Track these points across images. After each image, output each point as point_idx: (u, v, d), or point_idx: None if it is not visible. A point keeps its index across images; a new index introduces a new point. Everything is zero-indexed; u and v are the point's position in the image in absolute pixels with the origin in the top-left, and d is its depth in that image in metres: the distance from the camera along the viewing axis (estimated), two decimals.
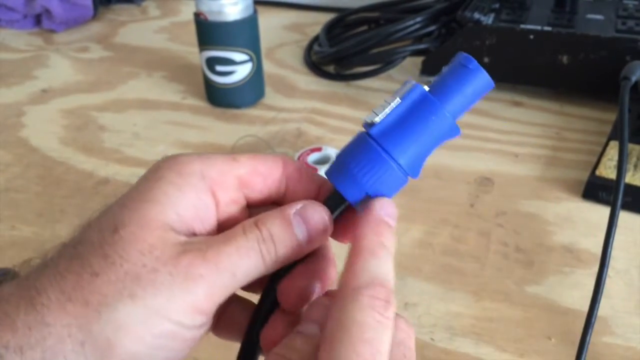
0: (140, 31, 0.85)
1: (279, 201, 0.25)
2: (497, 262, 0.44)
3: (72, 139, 0.60)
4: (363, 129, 0.24)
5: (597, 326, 0.37)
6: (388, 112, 0.23)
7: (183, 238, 0.22)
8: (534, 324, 0.39)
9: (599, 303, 0.38)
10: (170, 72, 0.73)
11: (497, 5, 0.64)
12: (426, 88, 0.23)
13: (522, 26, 0.60)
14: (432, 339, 0.38)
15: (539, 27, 0.59)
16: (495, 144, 0.57)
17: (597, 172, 0.49)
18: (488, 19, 0.61)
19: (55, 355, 0.20)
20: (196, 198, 0.23)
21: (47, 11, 0.83)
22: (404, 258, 0.44)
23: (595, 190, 0.48)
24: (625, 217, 0.45)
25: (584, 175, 0.50)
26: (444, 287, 0.42)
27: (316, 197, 0.24)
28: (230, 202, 0.24)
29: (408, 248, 0.45)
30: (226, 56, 0.61)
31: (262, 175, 0.24)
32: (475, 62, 0.23)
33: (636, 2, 0.63)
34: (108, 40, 0.82)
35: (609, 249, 0.40)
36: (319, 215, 0.23)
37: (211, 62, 0.62)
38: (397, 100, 0.23)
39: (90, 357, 0.20)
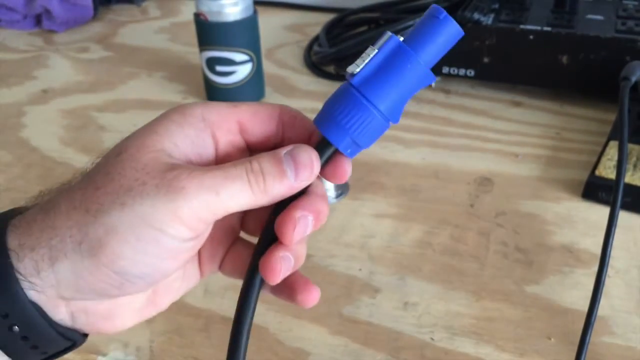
0: (140, 31, 0.85)
1: (277, 146, 0.26)
2: (497, 262, 0.44)
3: (73, 139, 0.61)
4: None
5: (596, 326, 0.37)
6: (367, 62, 0.24)
7: (177, 161, 0.24)
8: (533, 323, 0.39)
9: (599, 303, 0.38)
10: (171, 73, 0.73)
11: (496, 6, 0.64)
12: (401, 39, 0.24)
13: (522, 26, 0.60)
14: (432, 339, 0.38)
15: (538, 28, 0.59)
16: (495, 144, 0.57)
17: (597, 172, 0.49)
18: (488, 19, 0.61)
19: (59, 251, 0.23)
20: (195, 135, 0.25)
21: (47, 11, 0.83)
22: (404, 257, 0.44)
23: (595, 190, 0.48)
24: (624, 217, 0.45)
25: (584, 175, 0.50)
26: (444, 287, 0.42)
27: (308, 142, 0.26)
28: (229, 144, 0.26)
29: (408, 248, 0.45)
30: (226, 56, 0.61)
31: (261, 121, 0.27)
32: (445, 12, 0.24)
33: (636, 3, 0.63)
34: (108, 40, 0.83)
35: (609, 249, 0.40)
36: (307, 155, 0.25)
37: (211, 63, 0.62)
38: (375, 50, 0.24)
39: (85, 254, 0.23)
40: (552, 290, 0.41)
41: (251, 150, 0.27)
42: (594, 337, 0.37)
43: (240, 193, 0.24)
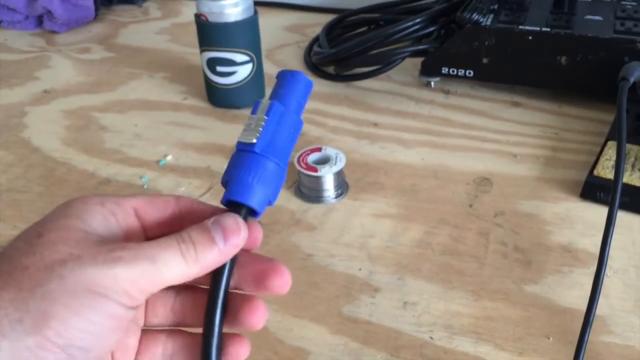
0: (141, 32, 0.85)
1: (176, 231, 0.27)
2: (496, 261, 0.44)
3: (74, 140, 0.61)
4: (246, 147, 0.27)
5: (595, 325, 0.38)
6: (262, 130, 0.27)
7: (102, 240, 0.25)
8: (532, 323, 0.39)
9: (597, 302, 0.38)
10: (171, 73, 0.73)
11: (496, 7, 0.64)
12: (268, 101, 0.28)
13: (521, 27, 0.60)
14: (431, 338, 0.38)
15: (537, 28, 0.60)
16: (494, 144, 0.57)
17: (595, 172, 0.49)
18: (487, 20, 0.62)
19: None
20: (102, 219, 0.26)
21: (49, 12, 0.84)
22: (403, 257, 0.44)
23: (594, 190, 0.49)
24: (623, 217, 0.45)
25: (582, 175, 0.50)
26: (443, 287, 0.42)
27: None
28: (129, 227, 0.27)
29: (407, 248, 0.45)
30: (227, 57, 0.61)
31: (155, 208, 0.28)
32: (297, 72, 0.29)
33: (634, 3, 0.63)
34: (109, 41, 0.83)
35: (607, 249, 0.40)
36: (232, 219, 0.26)
37: (212, 63, 0.62)
38: (265, 117, 0.27)
39: (29, 331, 0.22)
40: (550, 289, 0.41)
41: (147, 234, 0.28)
42: (593, 337, 0.37)
43: (174, 262, 0.25)
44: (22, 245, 0.24)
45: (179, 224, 0.28)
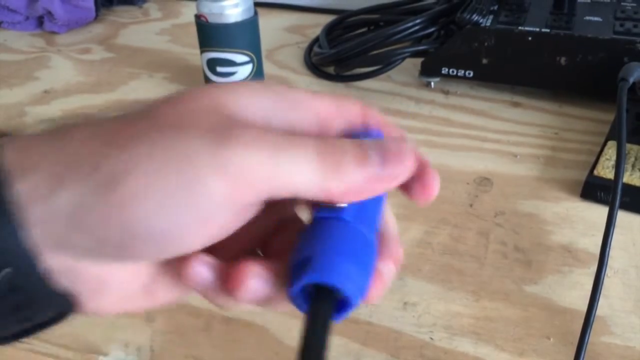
0: (141, 33, 0.85)
1: None
2: (496, 261, 0.44)
3: None
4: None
5: (595, 326, 0.38)
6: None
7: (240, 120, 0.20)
8: (532, 323, 0.39)
9: (598, 302, 0.38)
10: (172, 74, 0.73)
11: (495, 7, 0.64)
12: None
13: (521, 28, 0.60)
14: (431, 339, 0.38)
15: (537, 29, 0.60)
16: (494, 144, 0.57)
17: (596, 172, 0.49)
18: (487, 21, 0.62)
19: (61, 179, 0.18)
20: (272, 107, 0.21)
21: (49, 13, 0.84)
22: (404, 257, 0.44)
23: (594, 190, 0.49)
24: (623, 217, 0.45)
25: (583, 175, 0.50)
26: (443, 287, 0.42)
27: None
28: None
29: (407, 247, 0.45)
30: (227, 57, 0.61)
31: (342, 115, 0.22)
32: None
33: (634, 4, 0.63)
34: (110, 41, 0.83)
35: (608, 249, 0.40)
36: (398, 144, 0.20)
37: (212, 64, 0.62)
38: None
39: (93, 188, 0.18)
40: (551, 290, 0.41)
41: None
42: (593, 337, 0.37)
43: (306, 163, 0.19)
44: (142, 106, 0.20)
45: None
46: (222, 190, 0.18)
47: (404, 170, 0.20)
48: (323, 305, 0.19)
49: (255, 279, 0.20)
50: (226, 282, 0.20)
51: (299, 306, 0.20)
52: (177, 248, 0.19)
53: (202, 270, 0.20)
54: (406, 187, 0.22)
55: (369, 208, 0.21)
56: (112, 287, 0.21)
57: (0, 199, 0.18)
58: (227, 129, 0.19)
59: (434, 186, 0.22)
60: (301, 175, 0.19)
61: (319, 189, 0.19)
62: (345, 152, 0.19)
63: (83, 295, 0.20)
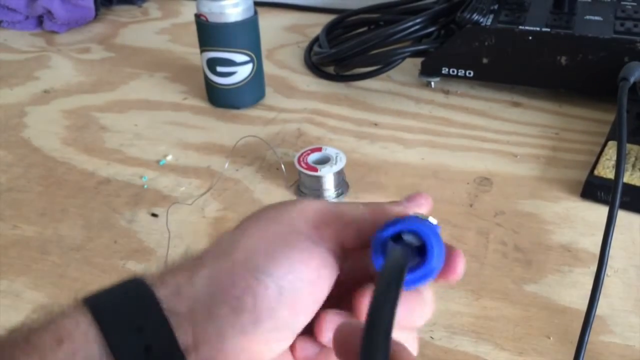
0: (141, 32, 0.85)
1: None
2: (496, 261, 0.44)
3: (74, 140, 0.61)
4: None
5: (595, 325, 0.38)
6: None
7: None
8: (532, 322, 0.39)
9: (598, 302, 0.38)
10: (172, 73, 0.73)
11: (495, 7, 0.64)
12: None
13: (521, 27, 0.60)
14: (431, 338, 0.38)
15: (537, 29, 0.60)
16: (494, 144, 0.57)
17: (596, 172, 0.49)
18: (487, 21, 0.62)
19: (197, 267, 0.24)
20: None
21: (49, 12, 0.84)
22: None
23: (594, 189, 0.49)
24: (623, 217, 0.45)
25: (583, 175, 0.50)
26: (443, 286, 0.42)
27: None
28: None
29: None
30: (227, 57, 0.61)
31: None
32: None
33: (634, 4, 0.63)
34: (109, 41, 0.83)
35: (608, 248, 0.40)
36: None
37: (212, 63, 0.62)
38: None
39: (220, 256, 0.24)
40: (551, 289, 0.41)
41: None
42: (593, 336, 0.37)
43: (358, 206, 0.26)
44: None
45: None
46: (309, 229, 0.25)
47: (423, 202, 0.28)
48: (401, 252, 0.22)
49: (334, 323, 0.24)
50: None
51: (375, 261, 0.23)
52: (293, 295, 0.23)
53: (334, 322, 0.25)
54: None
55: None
56: None
57: (147, 306, 0.22)
58: (298, 200, 0.26)
59: (460, 268, 0.26)
60: (357, 212, 0.26)
61: (371, 221, 0.25)
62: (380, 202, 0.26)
63: None
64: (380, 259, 0.23)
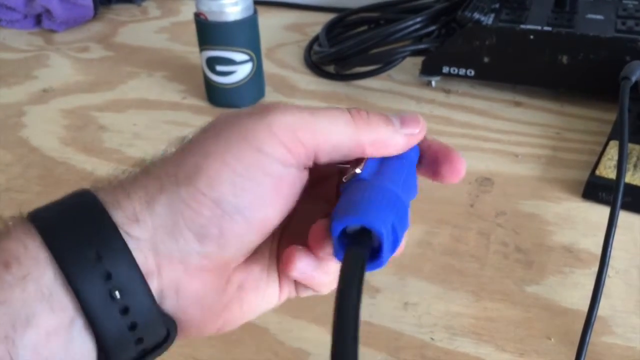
0: (140, 31, 0.85)
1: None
2: (497, 262, 0.44)
3: (73, 139, 0.60)
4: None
5: (596, 326, 0.37)
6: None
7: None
8: (533, 323, 0.39)
9: (599, 303, 0.38)
10: (171, 72, 0.73)
11: (497, 6, 0.64)
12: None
13: (522, 26, 0.60)
14: (432, 339, 0.38)
15: (538, 27, 0.59)
16: (495, 144, 0.57)
17: (597, 172, 0.49)
18: (488, 19, 0.61)
19: (155, 190, 0.22)
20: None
21: (48, 11, 0.83)
22: (404, 258, 0.44)
23: (595, 190, 0.48)
24: (625, 217, 0.45)
25: (584, 175, 0.50)
26: (444, 287, 0.42)
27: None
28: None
29: (408, 248, 0.45)
30: (226, 56, 0.61)
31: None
32: None
33: (636, 2, 0.63)
34: (108, 40, 0.83)
35: (609, 249, 0.40)
36: (411, 114, 0.25)
37: (211, 62, 0.62)
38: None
39: (182, 183, 0.22)
40: (552, 290, 0.41)
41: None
42: (594, 337, 0.37)
43: (342, 120, 0.23)
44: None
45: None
46: (279, 154, 0.22)
47: (419, 131, 0.25)
48: (359, 248, 0.22)
49: (301, 260, 0.24)
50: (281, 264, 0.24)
51: (336, 253, 0.22)
52: (260, 219, 0.23)
53: (298, 255, 0.24)
54: (437, 173, 0.26)
55: (394, 171, 0.24)
56: (209, 299, 0.24)
57: (104, 230, 0.21)
58: (266, 108, 0.23)
59: (461, 164, 0.26)
60: (338, 129, 0.23)
61: (353, 141, 0.23)
62: (371, 114, 0.24)
63: (189, 310, 0.23)
64: (340, 253, 0.22)
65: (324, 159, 0.24)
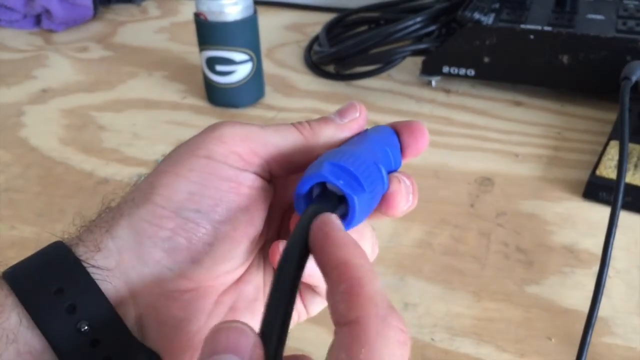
0: (140, 31, 0.85)
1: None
2: (498, 262, 0.43)
3: (72, 139, 0.60)
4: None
5: (597, 326, 0.37)
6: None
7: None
8: (534, 324, 0.39)
9: (600, 303, 0.38)
10: (171, 72, 0.73)
11: (497, 5, 0.64)
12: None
13: (523, 26, 0.60)
14: (432, 339, 0.38)
15: (539, 27, 0.59)
16: (495, 143, 0.57)
17: (598, 172, 0.49)
18: (488, 19, 0.61)
19: (115, 217, 0.23)
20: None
21: (47, 11, 0.83)
22: (404, 258, 0.44)
23: (596, 190, 0.48)
24: (625, 217, 0.45)
25: (585, 175, 0.50)
26: (444, 287, 0.42)
27: None
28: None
29: (408, 248, 0.45)
30: (226, 56, 0.61)
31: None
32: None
33: (637, 2, 0.63)
34: (108, 40, 0.82)
35: (610, 249, 0.40)
36: (349, 103, 0.26)
37: (211, 62, 0.62)
38: None
39: (140, 202, 0.23)
40: (552, 290, 0.41)
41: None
42: (595, 338, 0.37)
43: (287, 131, 0.24)
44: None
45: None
46: (231, 157, 0.23)
47: (361, 117, 0.26)
48: (319, 203, 0.22)
49: None
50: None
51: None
52: (233, 227, 0.23)
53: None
54: (403, 150, 0.27)
55: (354, 142, 0.25)
56: (195, 312, 0.23)
57: (66, 265, 0.21)
58: (215, 125, 0.24)
59: (423, 135, 0.27)
60: (287, 141, 0.24)
61: (304, 152, 0.24)
62: (313, 122, 0.25)
63: (171, 335, 0.22)
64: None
65: (279, 170, 0.25)
